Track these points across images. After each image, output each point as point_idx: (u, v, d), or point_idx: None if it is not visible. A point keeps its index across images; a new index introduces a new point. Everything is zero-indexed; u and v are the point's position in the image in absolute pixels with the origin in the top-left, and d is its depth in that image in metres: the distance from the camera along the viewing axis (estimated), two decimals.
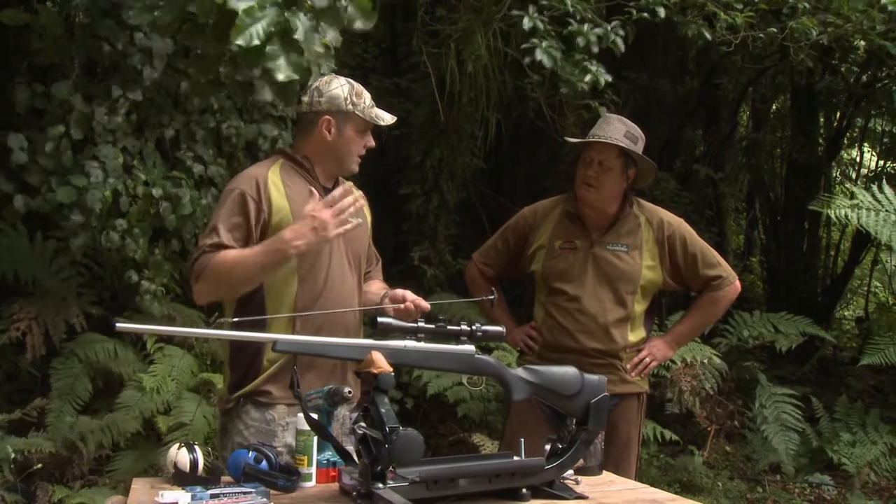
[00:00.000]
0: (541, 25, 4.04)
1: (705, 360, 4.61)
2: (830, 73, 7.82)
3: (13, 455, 2.95)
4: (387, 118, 2.46)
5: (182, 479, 1.90)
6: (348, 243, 2.44)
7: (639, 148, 2.83)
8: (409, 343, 1.88)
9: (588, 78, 4.06)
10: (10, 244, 4.22)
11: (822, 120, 8.87)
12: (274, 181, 2.36)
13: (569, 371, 2.06)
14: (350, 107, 2.39)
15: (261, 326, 2.24)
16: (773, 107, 9.21)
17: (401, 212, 5.73)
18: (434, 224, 5.68)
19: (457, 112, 5.50)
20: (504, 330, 1.99)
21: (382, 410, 1.78)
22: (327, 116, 2.38)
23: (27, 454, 3.05)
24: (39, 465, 3.09)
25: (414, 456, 1.69)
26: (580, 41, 4.06)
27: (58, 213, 3.58)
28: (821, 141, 8.80)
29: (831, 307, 8.63)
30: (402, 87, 6.24)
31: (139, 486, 1.93)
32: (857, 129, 9.10)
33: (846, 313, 10.13)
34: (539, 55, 3.97)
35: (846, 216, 4.54)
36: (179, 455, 1.95)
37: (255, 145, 4.11)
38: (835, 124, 8.75)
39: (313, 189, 2.33)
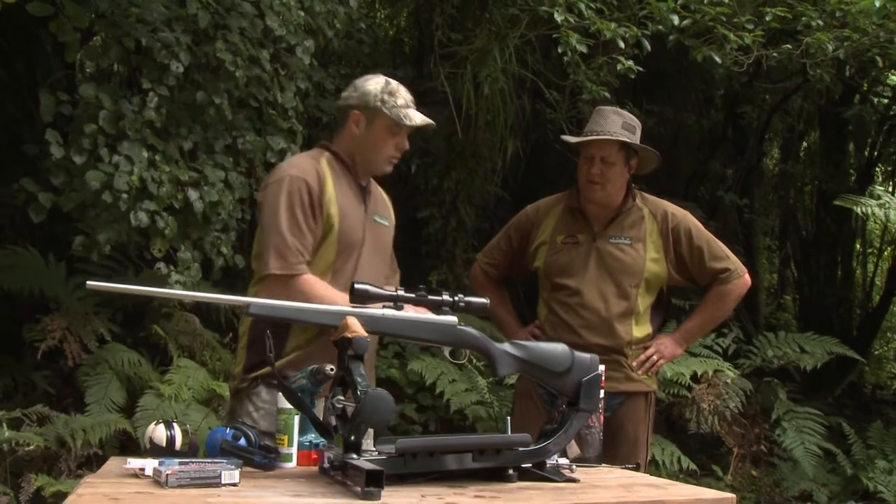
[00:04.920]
0: (571, 20, 4.14)
1: (728, 381, 4.46)
2: (860, 102, 7.72)
3: (2, 446, 2.95)
4: (417, 119, 2.37)
5: (158, 454, 1.86)
6: (376, 240, 2.44)
7: (637, 137, 2.78)
8: (388, 311, 1.83)
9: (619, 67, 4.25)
10: (28, 264, 4.33)
11: (852, 150, 8.73)
12: (327, 174, 2.35)
13: (557, 347, 1.99)
14: (378, 103, 2.35)
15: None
16: (804, 144, 9.12)
17: (419, 235, 5.71)
18: (452, 248, 5.65)
19: (474, 135, 5.51)
20: (488, 301, 1.93)
21: (357, 379, 1.73)
22: (356, 111, 2.37)
23: (15, 446, 3.05)
24: (23, 455, 3.08)
25: (383, 416, 1.62)
26: (607, 33, 4.11)
27: (79, 212, 3.65)
28: (851, 171, 8.66)
29: (868, 342, 8.38)
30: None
31: (114, 461, 1.89)
32: (891, 163, 8.95)
33: (886, 352, 9.84)
34: (573, 42, 4.07)
35: (874, 213, 4.48)
36: (156, 431, 1.90)
37: (264, 158, 4.16)
38: (866, 154, 8.60)
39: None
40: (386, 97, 2.35)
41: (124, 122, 3.66)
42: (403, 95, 2.38)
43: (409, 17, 7.29)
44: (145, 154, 3.70)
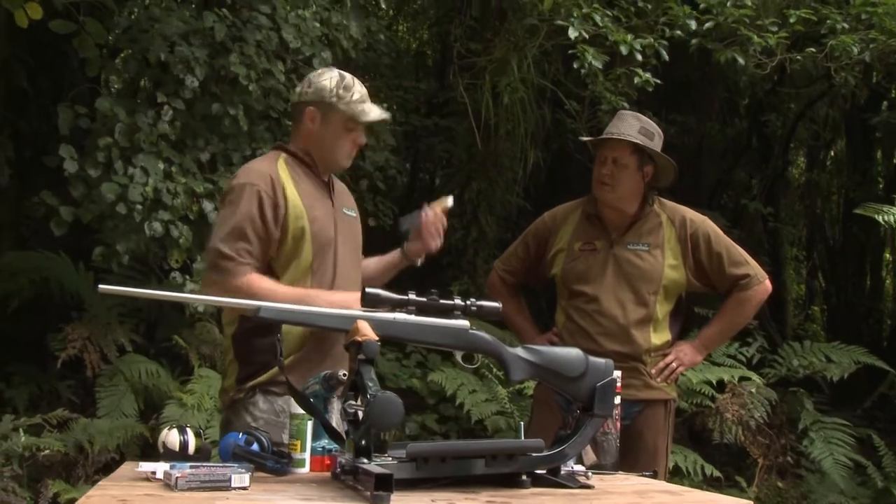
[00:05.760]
0: (586, 35, 4.12)
1: (753, 390, 4.40)
2: (887, 108, 7.61)
3: (23, 451, 2.98)
4: (373, 114, 2.36)
5: (171, 458, 1.85)
6: (348, 234, 2.42)
7: (655, 144, 2.74)
8: (399, 315, 1.82)
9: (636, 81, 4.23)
10: (59, 268, 4.42)
11: (880, 157, 8.61)
12: (284, 177, 2.31)
13: (572, 352, 1.97)
14: (334, 99, 2.31)
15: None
16: (831, 152, 9.01)
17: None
18: (473, 258, 5.64)
19: (494, 145, 5.50)
20: (500, 305, 1.91)
21: (368, 383, 1.71)
22: (311, 107, 2.33)
23: (35, 451, 3.08)
24: (43, 461, 3.11)
25: (392, 419, 1.61)
26: (623, 49, 4.09)
27: (97, 223, 3.71)
28: (879, 179, 8.53)
29: None
30: (443, 126, 6.29)
31: (127, 465, 1.89)
32: None
33: None
34: (589, 58, 4.04)
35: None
36: (170, 435, 1.90)
37: None
38: (895, 161, 8.47)
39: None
40: (341, 92, 2.31)
41: (140, 134, 3.71)
42: (359, 90, 2.34)
43: (430, 30, 7.34)
44: (161, 166, 3.74)
